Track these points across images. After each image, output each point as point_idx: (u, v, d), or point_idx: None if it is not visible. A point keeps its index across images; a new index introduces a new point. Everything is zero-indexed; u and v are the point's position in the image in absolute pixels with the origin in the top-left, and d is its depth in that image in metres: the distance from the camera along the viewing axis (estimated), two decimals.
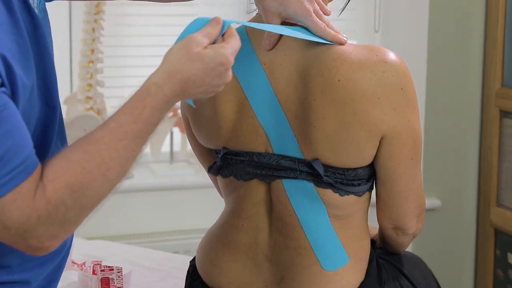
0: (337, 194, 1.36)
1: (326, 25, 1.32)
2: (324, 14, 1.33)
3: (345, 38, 1.32)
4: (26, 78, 1.07)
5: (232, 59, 1.12)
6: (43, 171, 1.04)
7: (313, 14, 1.31)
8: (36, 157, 1.03)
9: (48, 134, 1.16)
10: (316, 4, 1.32)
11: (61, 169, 1.03)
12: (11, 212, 1.00)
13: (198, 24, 1.14)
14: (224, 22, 1.14)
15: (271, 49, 1.34)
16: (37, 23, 1.13)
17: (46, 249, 1.05)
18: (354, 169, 1.35)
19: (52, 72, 1.16)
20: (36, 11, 1.15)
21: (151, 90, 1.10)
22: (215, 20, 1.14)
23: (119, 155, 1.07)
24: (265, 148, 1.37)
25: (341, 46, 1.32)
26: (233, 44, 1.13)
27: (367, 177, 1.38)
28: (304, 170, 1.34)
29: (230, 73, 1.14)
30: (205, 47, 1.11)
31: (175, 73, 1.10)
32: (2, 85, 1.01)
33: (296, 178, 1.35)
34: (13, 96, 1.04)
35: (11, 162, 0.99)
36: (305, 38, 1.30)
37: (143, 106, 1.09)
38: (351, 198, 1.37)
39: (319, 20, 1.31)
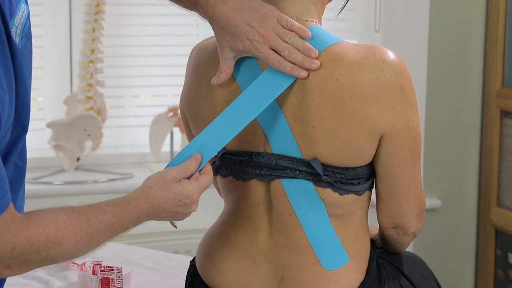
0: (337, 193, 1.36)
1: (289, 51, 1.29)
2: (299, 34, 1.31)
3: (304, 73, 1.29)
4: (7, 108, 1.13)
5: (197, 196, 1.29)
6: (30, 214, 1.16)
7: (264, 49, 1.29)
8: (9, 194, 1.12)
9: (11, 153, 1.22)
10: (274, 28, 1.30)
11: (47, 220, 1.16)
12: None
13: (183, 156, 1.33)
14: (203, 158, 1.32)
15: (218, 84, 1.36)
16: (14, 53, 1.17)
17: None
18: (354, 168, 1.35)
19: (25, 95, 1.21)
20: (17, 39, 1.18)
21: (133, 202, 1.26)
22: (194, 156, 1.31)
23: (92, 234, 1.21)
24: (263, 148, 1.37)
25: (338, 46, 1.31)
26: (203, 182, 1.30)
27: (366, 176, 1.38)
28: (303, 170, 1.34)
29: (196, 205, 1.31)
30: (179, 181, 1.29)
31: (150, 198, 1.27)
32: None
33: (295, 177, 1.35)
34: None
35: None
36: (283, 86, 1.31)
37: (124, 209, 1.25)
38: (350, 197, 1.37)
39: (272, 55, 1.29)
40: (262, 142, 1.37)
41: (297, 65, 1.29)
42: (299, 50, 1.29)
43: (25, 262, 1.16)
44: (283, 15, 1.31)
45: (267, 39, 1.29)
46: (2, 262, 1.13)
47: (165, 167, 1.32)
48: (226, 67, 1.34)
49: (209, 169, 1.32)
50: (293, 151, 1.34)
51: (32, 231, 1.14)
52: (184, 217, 1.33)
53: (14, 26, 1.17)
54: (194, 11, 1.36)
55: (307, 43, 1.30)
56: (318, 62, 1.29)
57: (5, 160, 1.18)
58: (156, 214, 1.28)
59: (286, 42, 1.30)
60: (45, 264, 1.20)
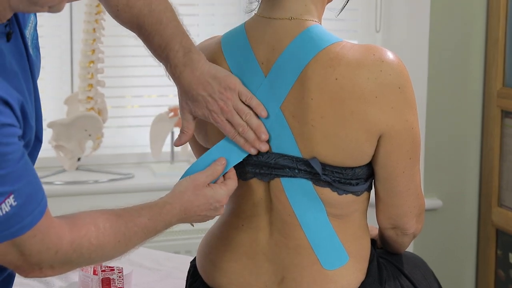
0: (335, 193, 1.36)
1: (243, 129, 1.35)
2: (257, 111, 1.35)
3: (253, 150, 1.36)
4: (31, 120, 1.17)
5: (226, 200, 1.35)
6: (69, 218, 1.20)
7: (221, 120, 1.35)
8: (46, 196, 1.16)
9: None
10: (233, 103, 1.35)
11: (88, 223, 1.20)
12: (32, 245, 1.13)
13: (204, 162, 1.38)
14: (228, 163, 1.37)
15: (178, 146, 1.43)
16: (32, 64, 1.22)
17: (37, 275, 1.19)
18: (352, 168, 1.35)
19: (39, 108, 1.26)
20: (30, 50, 1.22)
21: (166, 206, 1.31)
22: (219, 160, 1.36)
23: (130, 236, 1.25)
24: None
25: (338, 45, 1.32)
26: (230, 186, 1.36)
27: (365, 177, 1.38)
28: (302, 169, 1.34)
29: (223, 209, 1.37)
30: (208, 185, 1.35)
31: (184, 203, 1.32)
32: (20, 136, 1.12)
33: (294, 176, 1.35)
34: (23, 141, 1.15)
35: (30, 205, 1.11)
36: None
37: (158, 212, 1.30)
38: (349, 197, 1.37)
39: (227, 127, 1.36)
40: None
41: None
42: (252, 129, 1.35)
43: (67, 263, 1.19)
44: (245, 89, 1.35)
45: (225, 112, 1.35)
46: (46, 263, 1.16)
47: (188, 169, 1.37)
48: (188, 128, 1.40)
49: (233, 173, 1.37)
50: (293, 150, 1.34)
51: (75, 235, 1.17)
52: (209, 219, 1.37)
53: (26, 37, 1.19)
54: (163, 64, 1.41)
55: (260, 123, 1.35)
56: (267, 146, 1.35)
57: None
58: (187, 218, 1.33)
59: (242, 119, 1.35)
60: (86, 265, 1.25)
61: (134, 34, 1.43)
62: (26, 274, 1.18)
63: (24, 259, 1.14)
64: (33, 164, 1.24)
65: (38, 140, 1.25)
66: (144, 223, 1.26)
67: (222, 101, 1.34)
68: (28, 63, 1.20)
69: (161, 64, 1.41)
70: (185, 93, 1.37)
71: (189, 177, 1.35)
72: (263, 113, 1.35)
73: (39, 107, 1.24)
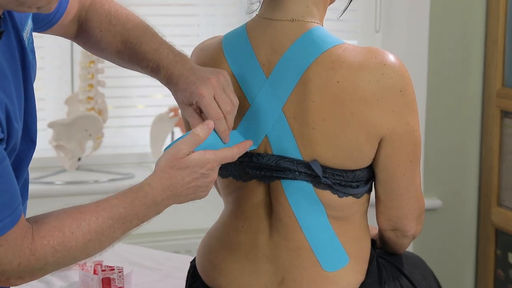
0: (336, 195, 1.36)
1: (231, 108, 1.29)
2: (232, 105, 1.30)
3: (227, 140, 1.29)
4: (16, 122, 1.16)
5: (214, 163, 1.24)
6: (36, 224, 1.16)
7: (210, 98, 1.28)
8: (21, 207, 1.13)
9: (21, 166, 1.24)
10: (223, 83, 1.30)
11: (52, 229, 1.15)
12: None
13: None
14: (233, 134, 1.29)
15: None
16: (28, 67, 1.21)
17: (10, 284, 1.16)
18: (353, 171, 1.35)
19: (33, 110, 1.25)
20: (28, 52, 1.22)
21: (144, 188, 1.22)
22: (206, 123, 1.25)
23: (102, 231, 1.19)
24: (264, 149, 1.37)
25: (340, 47, 1.32)
26: (224, 153, 1.26)
27: (365, 179, 1.38)
28: (303, 171, 1.34)
29: (215, 173, 1.25)
30: (191, 152, 1.23)
31: (164, 180, 1.22)
32: (2, 140, 1.10)
33: (294, 179, 1.36)
34: (6, 144, 1.14)
35: (4, 211, 1.09)
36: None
37: (134, 197, 1.21)
38: (349, 199, 1.37)
39: (213, 105, 1.28)
40: (263, 142, 1.37)
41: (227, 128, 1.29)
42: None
43: (35, 272, 1.16)
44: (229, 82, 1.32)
45: (215, 87, 1.29)
46: (12, 275, 1.14)
47: (169, 144, 1.25)
48: (197, 123, 1.30)
49: (240, 149, 1.28)
50: (293, 152, 1.34)
51: (37, 244, 1.14)
52: (206, 191, 1.27)
53: (24, 40, 1.19)
54: (153, 73, 1.39)
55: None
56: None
57: (17, 176, 1.20)
58: (177, 195, 1.24)
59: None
60: (58, 268, 1.20)
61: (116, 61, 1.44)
62: None
63: None
64: (27, 166, 1.23)
65: (32, 141, 1.25)
66: (119, 213, 1.19)
67: (215, 77, 1.29)
68: (25, 66, 1.19)
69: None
70: (177, 86, 1.33)
71: (168, 151, 1.24)
72: (231, 104, 1.30)
73: (33, 109, 1.23)
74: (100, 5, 1.42)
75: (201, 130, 1.24)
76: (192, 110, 1.32)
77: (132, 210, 1.21)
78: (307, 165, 1.34)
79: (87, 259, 1.23)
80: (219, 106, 1.28)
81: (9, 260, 1.11)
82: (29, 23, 1.25)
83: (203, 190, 1.26)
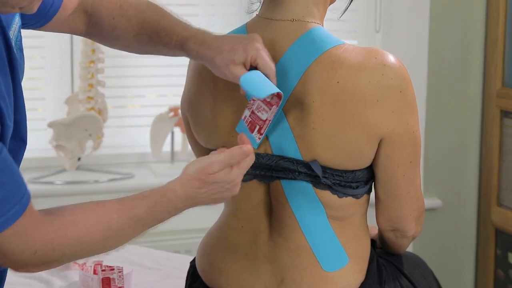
0: (335, 195, 1.36)
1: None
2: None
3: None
4: (8, 120, 1.15)
5: (239, 179, 1.26)
6: (59, 215, 1.17)
7: (264, 53, 1.29)
8: (29, 193, 1.13)
9: None
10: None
11: (68, 223, 1.16)
12: (10, 244, 1.11)
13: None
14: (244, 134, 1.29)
15: None
16: (15, 65, 1.20)
17: (24, 272, 1.19)
18: (353, 171, 1.35)
19: (23, 109, 1.24)
20: (15, 51, 1.21)
21: (168, 193, 1.24)
22: (244, 151, 1.26)
23: (122, 230, 1.21)
24: (264, 149, 1.37)
25: (340, 48, 1.32)
26: (244, 164, 1.27)
27: (365, 180, 1.38)
28: (303, 171, 1.34)
29: (238, 188, 1.28)
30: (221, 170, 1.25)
31: (189, 191, 1.24)
32: None
33: (294, 179, 1.36)
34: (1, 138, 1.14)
35: (7, 204, 1.09)
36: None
37: (157, 201, 1.23)
38: (349, 200, 1.37)
39: (271, 64, 1.29)
40: (263, 142, 1.37)
41: None
42: None
43: (51, 262, 1.17)
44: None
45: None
46: (27, 263, 1.14)
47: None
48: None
49: (249, 148, 1.28)
50: (293, 153, 1.34)
51: (55, 235, 1.14)
52: (223, 201, 1.31)
53: (10, 38, 1.19)
54: (178, 51, 1.37)
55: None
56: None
57: None
58: (195, 203, 1.27)
59: None
60: (75, 260, 1.22)
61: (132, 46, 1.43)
62: (14, 270, 1.17)
63: (4, 257, 1.13)
64: (18, 166, 1.23)
65: (22, 141, 1.24)
66: (139, 215, 1.21)
67: (258, 43, 1.30)
68: (12, 64, 1.19)
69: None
70: (219, 49, 1.31)
71: (200, 159, 1.26)
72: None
73: (22, 108, 1.23)
74: None
75: (239, 155, 1.25)
76: (243, 68, 1.30)
77: (153, 213, 1.23)
78: (307, 165, 1.34)
79: (104, 253, 1.24)
80: None
81: (21, 249, 1.12)
82: (17, 20, 1.24)
83: (220, 200, 1.30)
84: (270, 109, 1.30)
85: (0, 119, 1.12)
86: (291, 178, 1.36)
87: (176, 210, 1.25)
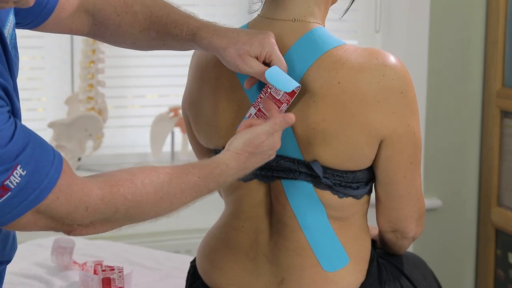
0: (336, 196, 1.36)
1: None
2: None
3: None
4: (17, 100, 1.16)
5: (279, 144, 1.30)
6: (105, 175, 1.17)
7: (277, 51, 1.31)
8: (58, 152, 1.13)
9: None
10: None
11: (123, 180, 1.17)
12: (58, 207, 1.11)
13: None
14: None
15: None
16: (10, 63, 1.20)
17: (78, 233, 1.16)
18: (353, 172, 1.35)
19: (19, 108, 1.23)
20: (10, 49, 1.21)
21: (221, 166, 1.26)
22: (287, 118, 1.28)
23: (175, 193, 1.21)
24: None
25: (341, 48, 1.32)
26: (281, 128, 1.29)
27: (365, 181, 1.38)
28: (303, 171, 1.34)
29: (275, 151, 1.31)
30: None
31: (241, 163, 1.28)
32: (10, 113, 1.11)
33: (295, 179, 1.36)
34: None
35: (42, 169, 1.09)
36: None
37: (210, 172, 1.25)
38: (349, 200, 1.37)
39: (283, 60, 1.31)
40: None
41: None
42: None
43: (105, 220, 1.16)
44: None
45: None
46: (81, 222, 1.14)
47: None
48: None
49: (279, 124, 1.30)
50: (294, 152, 1.35)
51: (106, 191, 1.14)
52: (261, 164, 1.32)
53: (5, 36, 1.19)
54: (188, 44, 1.37)
55: None
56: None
57: None
58: (244, 172, 1.30)
59: None
60: (129, 223, 1.21)
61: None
62: (69, 233, 1.16)
63: (56, 222, 1.12)
64: None
65: None
66: (193, 181, 1.23)
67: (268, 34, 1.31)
68: (7, 62, 1.19)
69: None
70: (233, 40, 1.31)
71: (244, 132, 1.29)
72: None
73: (19, 107, 1.23)
74: None
75: (280, 123, 1.28)
76: (257, 61, 1.31)
77: (205, 182, 1.24)
78: (307, 165, 1.34)
79: (154, 219, 1.24)
80: None
81: (74, 207, 1.11)
82: (11, 18, 1.23)
83: (261, 163, 1.31)
84: (279, 108, 1.31)
85: (8, 98, 1.11)
86: (291, 178, 1.36)
87: (226, 182, 1.28)
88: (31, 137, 1.10)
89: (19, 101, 1.23)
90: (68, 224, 1.14)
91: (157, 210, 1.21)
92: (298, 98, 1.32)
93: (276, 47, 1.30)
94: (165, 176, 1.20)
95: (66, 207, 1.11)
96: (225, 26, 1.35)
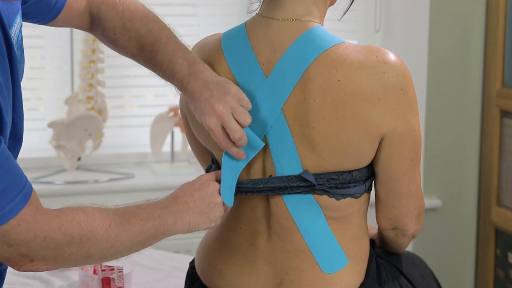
0: (333, 198, 1.36)
1: (240, 134, 1.31)
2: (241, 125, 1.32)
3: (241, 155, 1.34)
4: (6, 116, 1.15)
5: (218, 200, 1.34)
6: (62, 208, 1.18)
7: (218, 130, 1.32)
8: (30, 184, 1.14)
9: None
10: (231, 106, 1.32)
11: (76, 210, 1.18)
12: (17, 235, 1.11)
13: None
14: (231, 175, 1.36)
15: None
16: (15, 63, 1.21)
17: (30, 268, 1.17)
18: (350, 171, 1.35)
19: (21, 108, 1.25)
20: (15, 50, 1.22)
21: (155, 200, 1.30)
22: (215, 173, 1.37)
23: (121, 222, 1.22)
24: (263, 151, 1.37)
25: (340, 46, 1.32)
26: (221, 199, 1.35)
27: (364, 179, 1.38)
28: (295, 185, 1.34)
29: (220, 210, 1.34)
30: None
31: (174, 193, 1.32)
32: None
33: (290, 193, 1.36)
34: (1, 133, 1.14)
35: (9, 194, 1.09)
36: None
37: (146, 202, 1.29)
38: (347, 200, 1.37)
39: (222, 138, 1.32)
40: (257, 164, 1.38)
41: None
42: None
43: (59, 255, 1.16)
44: (245, 97, 1.33)
45: (221, 116, 1.31)
46: (37, 254, 1.14)
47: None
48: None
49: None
50: (291, 154, 1.34)
51: (63, 219, 1.15)
52: (217, 207, 1.33)
53: (11, 37, 1.19)
54: (170, 82, 1.41)
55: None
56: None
57: None
58: (183, 209, 1.30)
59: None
60: (82, 255, 1.19)
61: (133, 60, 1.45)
62: (18, 267, 1.16)
63: (12, 250, 1.12)
64: None
65: (18, 139, 1.25)
66: (133, 210, 1.25)
67: (221, 104, 1.31)
68: (12, 62, 1.19)
69: (168, 83, 1.42)
70: (192, 103, 1.36)
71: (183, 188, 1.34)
72: (244, 122, 1.33)
73: (20, 106, 1.23)
74: (113, 5, 1.42)
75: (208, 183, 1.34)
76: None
77: (146, 209, 1.26)
78: (299, 177, 1.34)
79: (110, 254, 1.24)
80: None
81: (33, 236, 1.12)
82: (18, 20, 1.25)
83: (212, 206, 1.32)
84: None
85: None
86: (288, 193, 1.36)
87: (166, 207, 1.28)
88: (8, 161, 1.10)
89: (22, 102, 1.24)
90: (22, 254, 1.13)
91: (107, 239, 1.20)
92: (298, 98, 1.32)
93: (214, 131, 1.32)
94: (109, 209, 1.23)
95: (24, 235, 1.11)
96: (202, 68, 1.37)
